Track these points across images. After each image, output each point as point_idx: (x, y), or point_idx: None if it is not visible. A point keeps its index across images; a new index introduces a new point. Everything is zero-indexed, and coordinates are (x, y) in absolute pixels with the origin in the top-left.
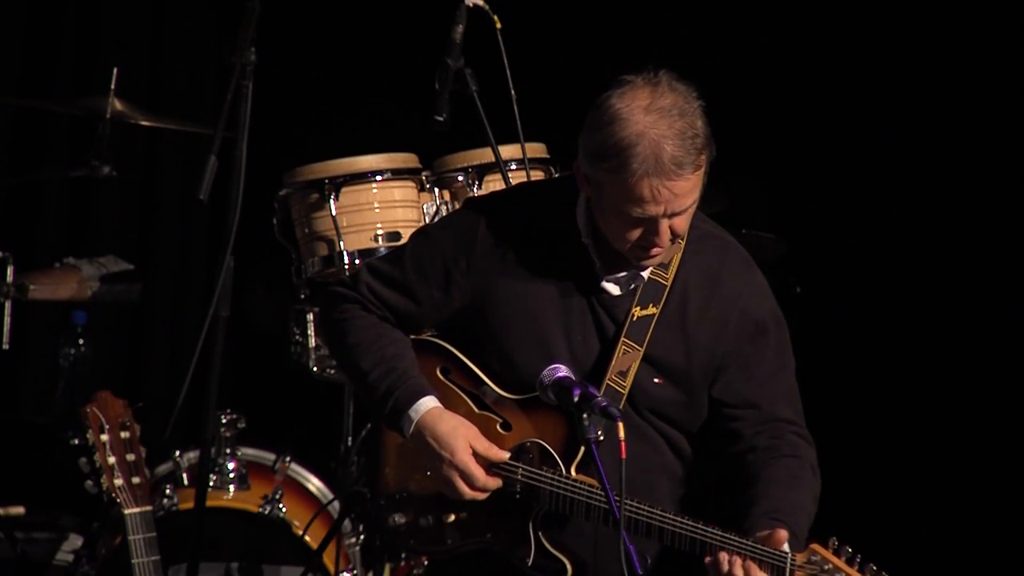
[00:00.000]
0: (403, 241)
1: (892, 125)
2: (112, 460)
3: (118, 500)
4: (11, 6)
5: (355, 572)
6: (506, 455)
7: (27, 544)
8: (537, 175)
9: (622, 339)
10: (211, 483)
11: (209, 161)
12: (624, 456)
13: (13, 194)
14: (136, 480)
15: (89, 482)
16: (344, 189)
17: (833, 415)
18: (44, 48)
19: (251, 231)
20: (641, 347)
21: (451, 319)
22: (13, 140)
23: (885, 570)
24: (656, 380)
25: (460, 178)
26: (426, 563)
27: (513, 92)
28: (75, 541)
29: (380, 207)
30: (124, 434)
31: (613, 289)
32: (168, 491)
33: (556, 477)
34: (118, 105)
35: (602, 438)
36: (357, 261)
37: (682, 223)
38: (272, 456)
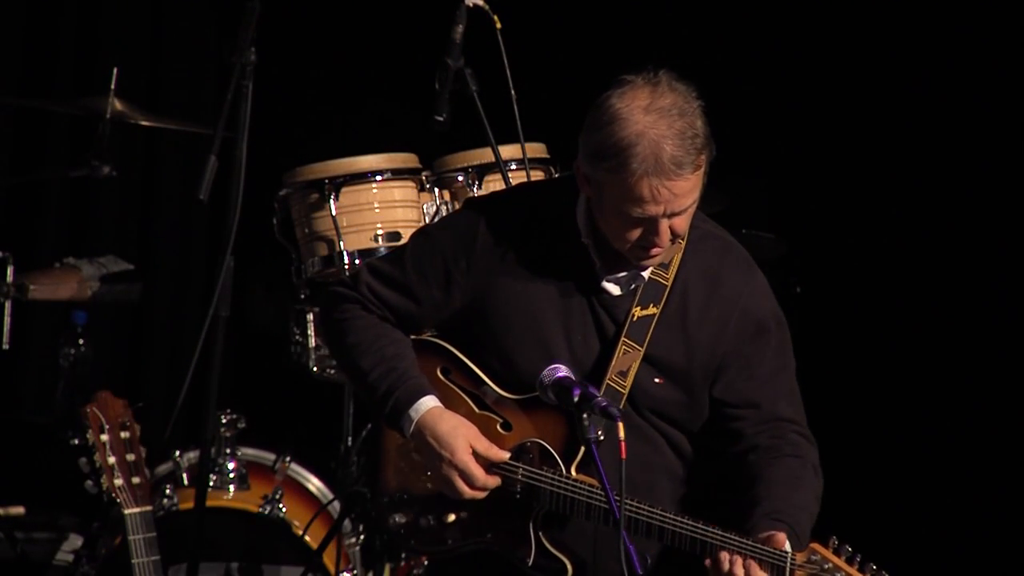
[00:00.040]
0: (403, 241)
1: (892, 125)
2: (112, 460)
3: (118, 500)
4: (11, 6)
5: (355, 572)
6: (506, 455)
7: (27, 544)
8: (537, 175)
9: (622, 339)
10: (211, 483)
11: (209, 161)
12: (624, 456)
13: (13, 194)
14: (136, 480)
15: (89, 482)
16: (344, 189)
17: (833, 415)
18: (44, 48)
19: (251, 231)
20: (641, 347)
21: (451, 319)
22: (13, 140)
23: (885, 570)
24: (656, 380)
25: (460, 178)
26: (426, 563)
27: (513, 92)
28: (75, 541)
29: (380, 207)
30: (124, 434)
31: (613, 289)
32: (168, 491)
33: (556, 477)
34: (118, 105)
35: (602, 438)
36: (357, 261)
37: (682, 223)
38: (272, 456)
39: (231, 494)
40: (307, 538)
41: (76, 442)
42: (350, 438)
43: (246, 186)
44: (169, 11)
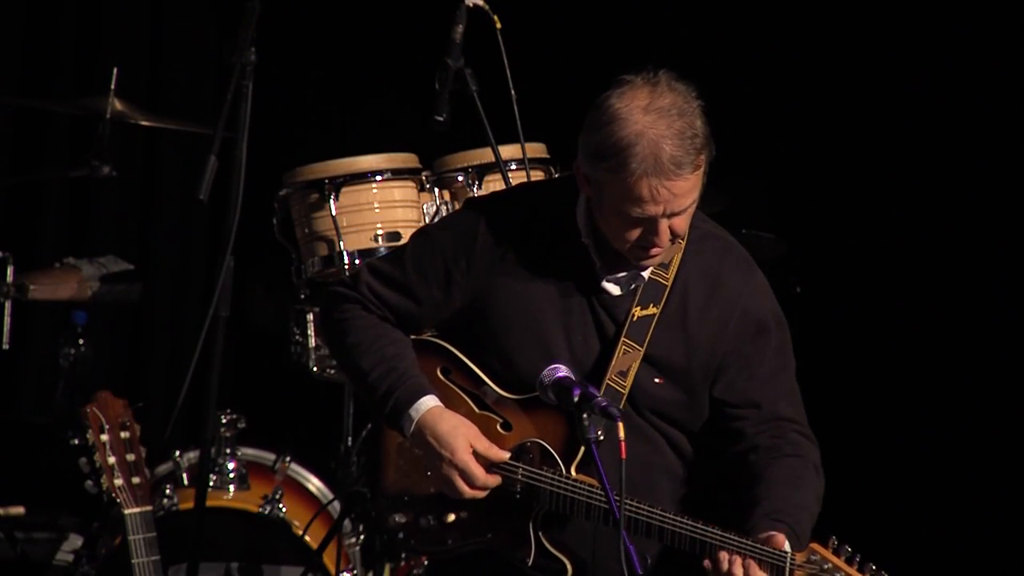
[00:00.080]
0: (403, 241)
1: (892, 125)
2: (112, 460)
3: (118, 500)
4: (11, 6)
5: (355, 572)
6: (506, 455)
7: (27, 544)
8: (537, 175)
9: (622, 339)
10: (211, 483)
11: (209, 161)
12: (624, 456)
13: (13, 194)
14: (136, 480)
15: (89, 482)
16: (344, 189)
17: (833, 415)
18: (44, 48)
19: (251, 231)
20: (641, 347)
21: (451, 319)
22: (13, 140)
23: (885, 570)
24: (656, 380)
25: (460, 178)
26: (426, 563)
27: (513, 92)
28: (75, 541)
29: (380, 207)
30: (124, 434)
31: (613, 289)
32: (168, 491)
33: (556, 477)
34: (118, 105)
35: (602, 438)
36: (357, 261)
37: (682, 223)
38: (272, 456)
39: (231, 494)
40: (307, 538)
41: (76, 442)
42: (350, 438)
43: (246, 186)
44: (169, 11)
